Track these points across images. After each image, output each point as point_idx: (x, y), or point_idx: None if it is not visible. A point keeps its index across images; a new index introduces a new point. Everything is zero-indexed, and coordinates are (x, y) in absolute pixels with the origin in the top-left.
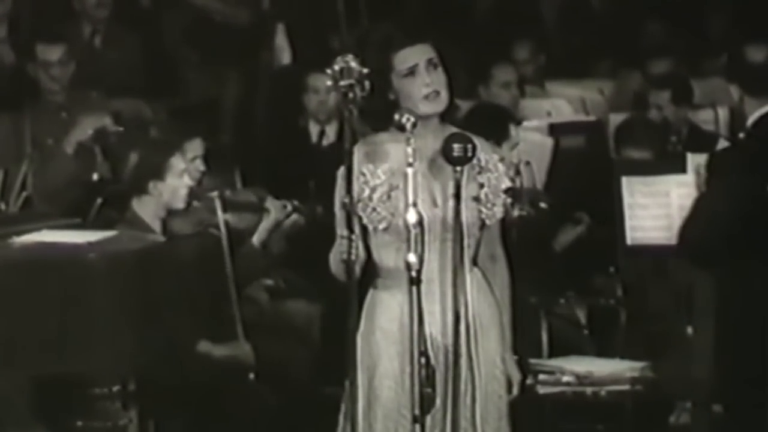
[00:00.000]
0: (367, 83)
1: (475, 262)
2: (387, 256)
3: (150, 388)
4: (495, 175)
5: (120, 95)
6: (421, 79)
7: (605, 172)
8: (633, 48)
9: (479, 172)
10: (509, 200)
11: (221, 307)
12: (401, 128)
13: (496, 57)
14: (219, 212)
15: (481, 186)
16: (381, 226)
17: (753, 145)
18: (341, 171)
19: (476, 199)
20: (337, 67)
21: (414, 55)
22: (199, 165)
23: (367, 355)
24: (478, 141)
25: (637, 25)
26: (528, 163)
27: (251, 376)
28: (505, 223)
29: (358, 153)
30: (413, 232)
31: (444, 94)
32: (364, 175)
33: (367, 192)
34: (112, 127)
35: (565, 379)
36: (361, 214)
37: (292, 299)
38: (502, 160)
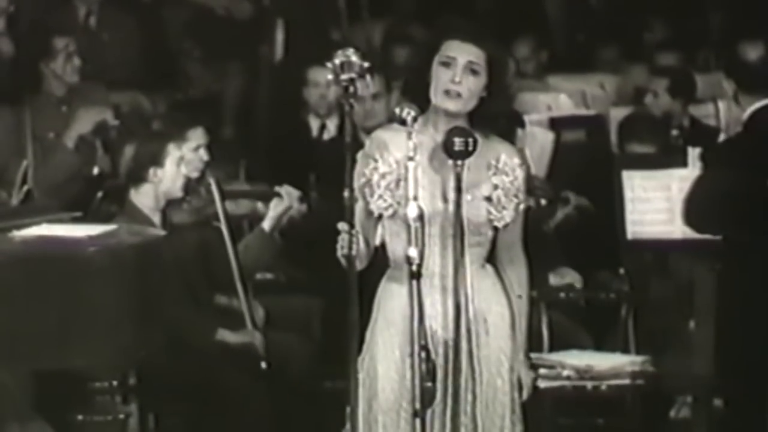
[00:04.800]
0: (368, 77)
1: (489, 260)
2: (396, 246)
3: (150, 381)
4: (510, 178)
5: (121, 89)
6: (452, 74)
7: (606, 166)
8: (634, 42)
9: (495, 173)
10: (521, 206)
11: (224, 298)
12: (402, 122)
13: None
14: (218, 202)
15: (495, 187)
16: (386, 214)
17: (748, 138)
18: (360, 154)
19: (488, 199)
20: (337, 61)
21: (458, 50)
22: (203, 154)
23: (374, 345)
24: (499, 142)
25: (638, 19)
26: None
27: (263, 365)
28: (527, 227)
29: (375, 138)
30: (413, 226)
31: (468, 99)
32: (375, 161)
33: (375, 178)
34: (113, 120)
35: (566, 373)
36: (368, 199)
37: (293, 293)
38: (522, 165)
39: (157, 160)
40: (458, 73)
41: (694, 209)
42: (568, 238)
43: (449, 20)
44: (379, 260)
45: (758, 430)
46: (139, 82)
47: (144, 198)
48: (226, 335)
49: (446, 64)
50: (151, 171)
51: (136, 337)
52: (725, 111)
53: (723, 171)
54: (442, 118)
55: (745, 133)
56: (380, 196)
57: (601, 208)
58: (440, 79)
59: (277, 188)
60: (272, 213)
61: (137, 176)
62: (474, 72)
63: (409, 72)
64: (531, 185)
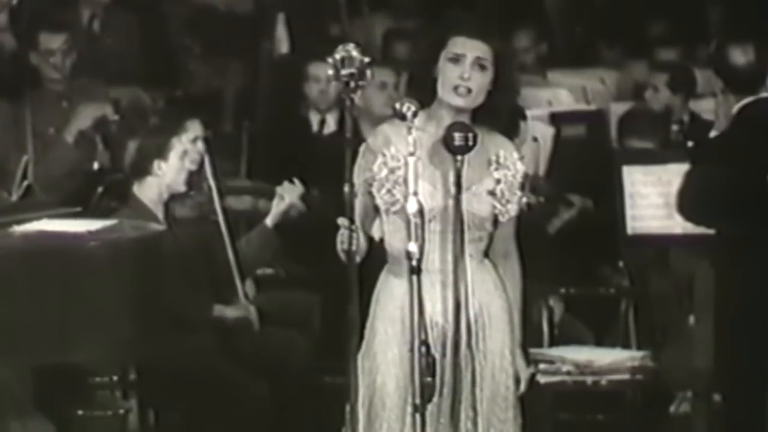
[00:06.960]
0: (368, 72)
1: (486, 254)
2: (396, 241)
3: (150, 377)
4: (512, 172)
5: (121, 84)
6: (461, 70)
7: (606, 162)
8: (635, 37)
9: (496, 168)
10: (524, 199)
11: (223, 290)
12: (401, 117)
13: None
14: (216, 198)
15: (498, 182)
16: (393, 209)
17: (736, 134)
18: (362, 148)
19: (492, 193)
20: (338, 56)
21: (465, 47)
22: (200, 146)
23: (373, 340)
24: (498, 138)
25: (639, 14)
26: (535, 139)
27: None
28: (520, 220)
29: (379, 132)
30: (413, 221)
31: (477, 95)
32: (384, 155)
33: (384, 172)
34: (113, 116)
35: (566, 368)
36: (375, 194)
37: (293, 288)
38: (521, 159)
39: (162, 154)
40: (467, 69)
41: (687, 203)
42: (568, 233)
43: (455, 15)
44: (379, 254)
45: (758, 425)
46: (139, 77)
47: (148, 191)
48: (223, 310)
49: (454, 61)
50: (156, 164)
51: (137, 332)
52: (718, 107)
53: (712, 166)
54: (447, 114)
55: (734, 129)
56: (389, 191)
57: (601, 204)
58: (448, 75)
59: (279, 188)
60: (275, 210)
61: (141, 169)
62: (482, 67)
63: (414, 66)
64: (533, 182)
